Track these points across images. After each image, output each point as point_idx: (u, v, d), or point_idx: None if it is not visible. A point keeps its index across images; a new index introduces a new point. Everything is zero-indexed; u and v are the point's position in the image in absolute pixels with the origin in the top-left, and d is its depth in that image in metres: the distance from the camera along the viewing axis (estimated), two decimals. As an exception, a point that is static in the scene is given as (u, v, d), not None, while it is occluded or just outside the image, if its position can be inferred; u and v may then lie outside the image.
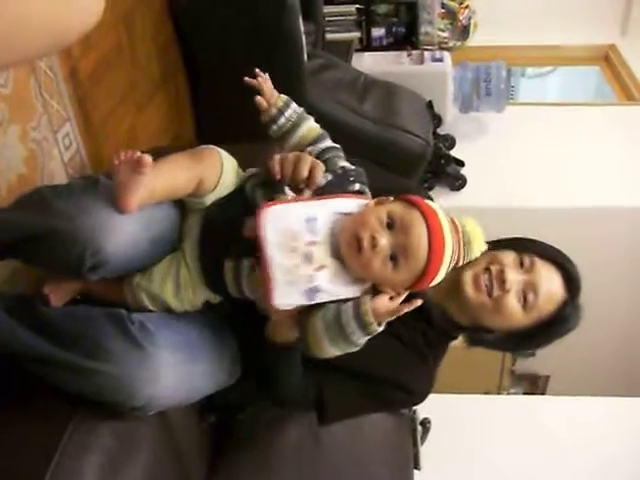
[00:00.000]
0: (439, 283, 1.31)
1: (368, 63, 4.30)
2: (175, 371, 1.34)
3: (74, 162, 2.25)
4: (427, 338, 1.59)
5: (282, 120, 1.47)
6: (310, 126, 1.47)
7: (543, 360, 4.47)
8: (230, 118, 3.25)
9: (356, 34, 4.87)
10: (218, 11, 3.10)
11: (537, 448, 2.75)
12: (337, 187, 1.34)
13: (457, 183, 3.92)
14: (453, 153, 4.02)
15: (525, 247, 1.56)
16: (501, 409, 3.10)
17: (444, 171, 3.91)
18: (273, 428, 1.92)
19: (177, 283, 1.41)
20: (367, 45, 4.87)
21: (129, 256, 1.33)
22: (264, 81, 1.50)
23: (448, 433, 2.53)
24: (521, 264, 1.52)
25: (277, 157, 1.35)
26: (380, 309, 1.25)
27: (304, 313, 1.31)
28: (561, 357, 3.56)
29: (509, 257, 1.52)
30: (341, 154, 1.44)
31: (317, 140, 1.45)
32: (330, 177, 1.35)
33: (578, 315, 1.55)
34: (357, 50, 4.62)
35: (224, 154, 1.42)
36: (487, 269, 1.51)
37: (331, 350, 1.30)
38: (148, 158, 1.22)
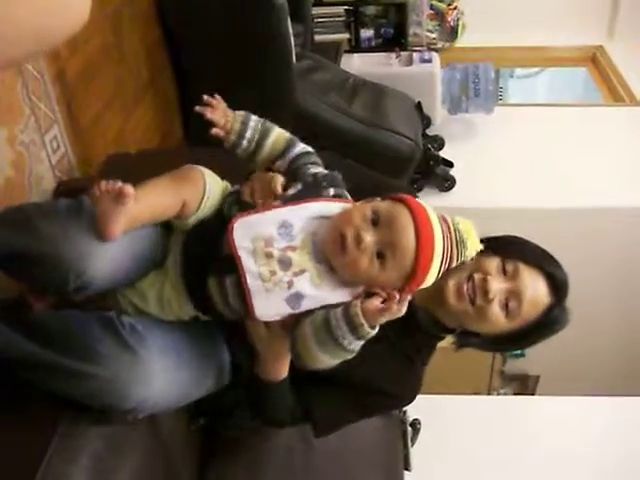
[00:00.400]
0: (427, 287, 1.29)
1: (357, 64, 4.31)
2: (165, 374, 1.34)
3: (62, 165, 2.25)
4: (414, 340, 1.59)
5: (244, 143, 1.39)
6: (275, 138, 1.40)
7: (533, 360, 4.49)
8: (219, 120, 3.25)
9: (345, 35, 4.88)
10: (206, 12, 3.10)
11: (527, 448, 2.75)
12: (309, 195, 1.30)
13: (446, 184, 3.93)
14: (442, 154, 4.03)
15: (510, 250, 1.54)
16: (491, 409, 3.10)
17: (433, 172, 3.91)
18: (263, 431, 1.91)
19: (161, 299, 1.40)
20: (356, 46, 4.89)
21: (113, 275, 1.33)
22: (214, 109, 1.40)
23: (438, 434, 2.53)
24: (504, 271, 1.50)
25: (246, 190, 1.36)
26: (371, 311, 1.19)
27: (294, 325, 1.29)
28: (551, 357, 3.57)
29: (493, 264, 1.50)
30: (313, 159, 1.39)
31: (286, 149, 1.39)
32: (300, 186, 1.31)
33: (565, 317, 1.55)
34: (346, 51, 4.63)
35: (208, 174, 1.40)
36: (470, 277, 1.49)
37: (323, 357, 1.25)
38: (129, 189, 1.20)
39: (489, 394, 4.43)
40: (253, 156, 1.40)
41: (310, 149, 1.41)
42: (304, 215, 1.26)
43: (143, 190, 1.28)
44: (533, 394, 4.67)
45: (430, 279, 1.25)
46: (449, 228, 1.26)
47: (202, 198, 1.35)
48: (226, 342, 1.49)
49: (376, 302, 1.21)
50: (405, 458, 2.18)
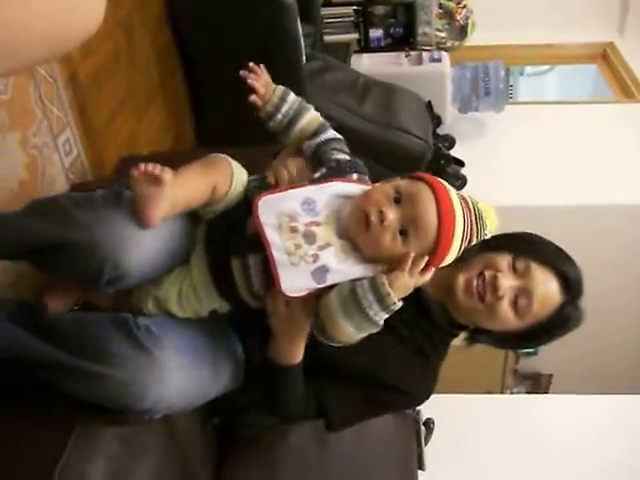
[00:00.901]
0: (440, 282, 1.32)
1: (367, 64, 4.31)
2: (181, 374, 1.35)
3: (75, 168, 2.26)
4: (429, 337, 1.59)
5: (279, 117, 1.42)
6: (309, 119, 1.43)
7: (546, 359, 4.47)
8: (229, 121, 3.26)
9: (354, 35, 4.87)
10: (216, 14, 3.11)
11: (540, 447, 2.74)
12: (332, 176, 1.33)
13: (457, 183, 3.92)
14: (453, 153, 4.02)
15: (522, 249, 1.53)
16: (504, 408, 3.09)
17: (444, 171, 3.91)
18: (277, 430, 1.92)
19: (180, 293, 1.41)
20: (365, 46, 4.88)
21: (147, 270, 1.33)
22: (257, 77, 1.44)
23: (452, 433, 2.53)
24: (515, 269, 1.49)
25: (272, 172, 1.41)
26: (397, 282, 1.22)
27: (315, 304, 1.29)
28: (564, 355, 3.56)
29: (504, 261, 1.50)
30: (339, 146, 1.41)
31: (317, 132, 1.42)
32: (324, 170, 1.34)
33: (579, 316, 1.54)
34: (355, 51, 4.63)
35: (234, 162, 1.41)
36: (481, 274, 1.49)
37: (347, 329, 1.23)
38: (168, 173, 1.22)
39: (502, 393, 4.42)
40: (285, 131, 1.44)
41: (340, 136, 1.44)
42: (327, 192, 1.29)
43: (178, 176, 1.28)
44: (546, 392, 4.65)
45: (451, 256, 1.28)
46: (468, 206, 1.28)
47: (231, 183, 1.36)
48: (241, 341, 1.50)
49: (402, 274, 1.23)
50: (419, 457, 2.17)
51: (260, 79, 1.43)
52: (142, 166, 1.22)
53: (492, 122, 4.41)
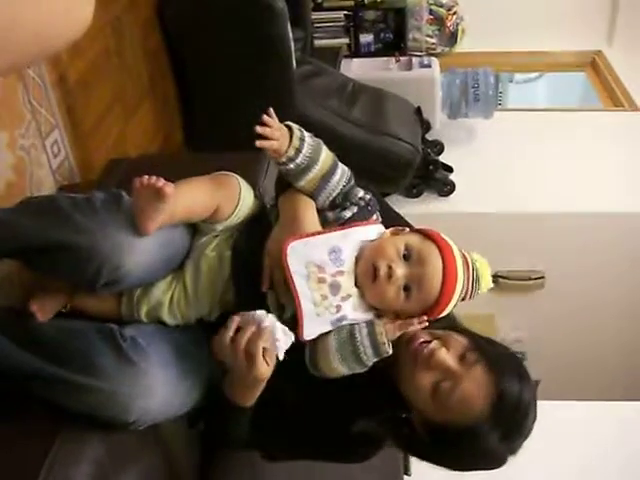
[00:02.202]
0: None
1: (356, 69, 4.31)
2: (167, 385, 1.34)
3: (63, 169, 2.25)
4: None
5: (292, 167, 1.37)
6: (323, 161, 1.39)
7: (533, 365, 4.48)
8: (218, 124, 3.26)
9: (344, 40, 4.88)
10: (207, 18, 3.10)
11: (527, 452, 2.74)
12: (360, 219, 1.38)
13: (446, 189, 3.93)
14: (442, 159, 4.03)
15: (483, 345, 1.38)
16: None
17: (433, 177, 3.92)
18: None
19: (172, 299, 1.42)
20: (355, 51, 4.88)
21: (143, 274, 1.35)
22: (272, 132, 1.34)
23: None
24: (463, 357, 1.33)
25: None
26: (393, 334, 1.29)
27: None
28: (551, 362, 3.57)
29: (457, 342, 1.36)
30: (352, 177, 1.43)
31: (331, 170, 1.40)
32: (355, 209, 1.39)
33: (499, 448, 1.35)
34: (345, 56, 4.63)
35: (243, 184, 1.43)
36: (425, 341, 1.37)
37: (340, 369, 1.31)
38: (170, 188, 1.23)
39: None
40: (298, 176, 1.39)
41: (346, 169, 1.44)
42: (351, 239, 1.33)
43: (182, 188, 1.30)
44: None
45: (444, 313, 1.34)
46: (468, 267, 1.34)
47: (236, 206, 1.39)
48: None
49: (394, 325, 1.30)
50: (404, 462, 2.18)
51: (275, 132, 1.34)
52: (145, 179, 1.23)
53: (481, 128, 4.42)
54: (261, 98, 3.09)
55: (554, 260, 3.88)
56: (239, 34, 3.02)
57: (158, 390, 1.32)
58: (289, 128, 1.37)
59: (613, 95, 4.99)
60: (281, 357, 1.26)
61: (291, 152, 1.36)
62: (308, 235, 1.31)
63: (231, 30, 3.04)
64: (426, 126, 4.02)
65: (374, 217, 1.40)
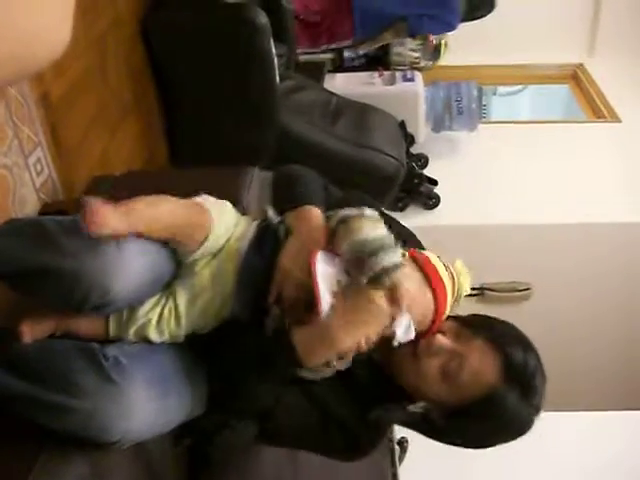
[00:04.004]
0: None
1: (340, 84, 4.33)
2: (149, 406, 1.33)
3: (46, 187, 2.24)
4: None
5: None
6: None
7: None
8: (202, 139, 3.27)
9: (328, 55, 4.89)
10: (190, 34, 3.11)
11: (519, 464, 2.75)
12: None
13: (431, 202, 3.95)
14: (426, 172, 4.05)
15: (475, 322, 1.47)
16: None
17: (417, 190, 3.93)
18: (250, 449, 1.90)
19: (161, 316, 1.42)
20: (339, 66, 4.90)
21: (132, 296, 1.35)
22: None
23: (426, 452, 2.53)
24: (459, 335, 1.43)
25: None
26: None
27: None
28: (547, 373, 3.56)
29: (447, 324, 1.45)
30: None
31: None
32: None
33: (523, 410, 1.41)
34: (329, 71, 4.64)
35: (215, 211, 1.44)
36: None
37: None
38: (100, 219, 1.23)
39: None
40: None
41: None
42: None
43: (144, 207, 1.32)
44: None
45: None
46: (454, 282, 1.43)
47: (203, 241, 1.40)
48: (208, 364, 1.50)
49: None
50: (393, 477, 2.17)
51: None
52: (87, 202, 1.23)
53: (465, 141, 4.44)
54: (245, 113, 3.11)
55: (539, 271, 3.90)
56: (222, 50, 3.03)
57: (140, 409, 1.31)
58: None
59: (595, 107, 5.03)
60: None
61: None
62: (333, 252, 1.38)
63: (214, 46, 3.05)
64: (410, 140, 4.04)
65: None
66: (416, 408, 1.44)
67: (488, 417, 1.39)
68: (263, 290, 1.40)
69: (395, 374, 1.50)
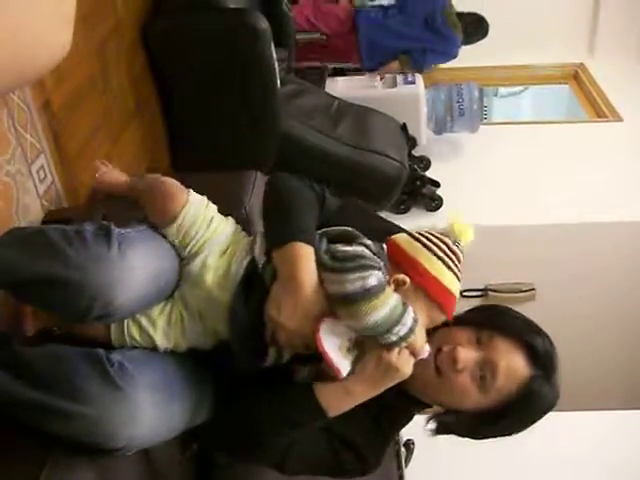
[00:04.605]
0: None
1: (341, 88, 4.33)
2: (154, 411, 1.33)
3: (49, 195, 2.25)
4: (388, 411, 1.52)
5: None
6: None
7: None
8: (205, 144, 3.27)
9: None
10: (191, 39, 3.12)
11: (523, 465, 2.74)
12: None
13: (433, 204, 3.95)
14: (428, 174, 4.05)
15: (485, 321, 1.48)
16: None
17: (420, 192, 3.93)
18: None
19: (169, 323, 1.43)
20: (340, 70, 4.91)
21: (135, 306, 1.36)
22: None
23: (433, 454, 2.52)
24: (478, 341, 1.43)
25: None
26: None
27: None
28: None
29: (463, 334, 1.44)
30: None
31: None
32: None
33: (553, 392, 1.43)
34: (330, 75, 4.65)
35: (200, 200, 1.49)
36: (439, 350, 1.43)
37: None
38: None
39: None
40: None
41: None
42: None
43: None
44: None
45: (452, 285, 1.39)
46: (459, 261, 1.40)
47: (185, 200, 1.45)
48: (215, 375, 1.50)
49: None
50: (400, 479, 2.17)
51: None
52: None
53: (467, 143, 4.44)
54: (246, 118, 3.11)
55: (544, 272, 3.89)
56: (223, 55, 3.03)
57: (145, 415, 1.31)
58: None
59: (596, 106, 5.03)
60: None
61: None
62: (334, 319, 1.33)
63: (215, 51, 3.05)
64: (412, 142, 4.04)
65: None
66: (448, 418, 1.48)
67: (525, 408, 1.42)
68: (256, 330, 1.38)
69: (422, 395, 1.50)
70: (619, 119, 4.74)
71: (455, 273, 1.38)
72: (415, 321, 1.31)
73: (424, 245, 1.39)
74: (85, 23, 2.53)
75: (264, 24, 2.99)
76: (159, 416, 1.34)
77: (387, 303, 1.28)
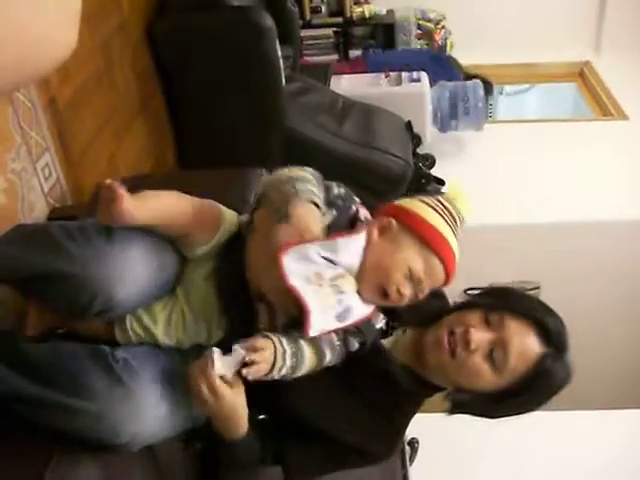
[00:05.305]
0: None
1: (346, 85, 4.33)
2: (158, 407, 1.33)
3: (54, 192, 2.25)
4: (395, 400, 1.52)
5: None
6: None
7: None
8: (210, 141, 3.27)
9: (334, 57, 4.90)
10: (196, 37, 3.12)
11: (526, 463, 2.74)
12: (342, 220, 1.35)
13: (438, 202, 3.93)
14: (433, 172, 4.04)
15: (495, 302, 1.48)
16: (489, 426, 3.09)
17: (425, 190, 3.92)
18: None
19: (170, 320, 1.42)
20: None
21: (135, 303, 1.36)
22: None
23: (437, 452, 2.53)
24: (488, 322, 1.43)
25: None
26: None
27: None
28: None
29: (474, 316, 1.44)
30: (321, 179, 1.38)
31: None
32: (335, 213, 1.34)
33: (565, 370, 1.43)
34: (335, 73, 4.65)
35: (227, 216, 1.43)
36: (452, 332, 1.43)
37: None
38: (125, 204, 1.26)
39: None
40: None
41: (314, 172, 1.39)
42: (344, 246, 1.31)
43: (155, 198, 1.34)
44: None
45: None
46: (456, 224, 1.37)
47: (213, 236, 1.39)
48: None
49: None
50: (404, 477, 2.17)
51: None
52: (110, 182, 1.26)
53: (472, 141, 4.44)
54: (251, 116, 3.11)
55: (549, 270, 3.88)
56: (228, 53, 3.04)
57: (149, 411, 1.31)
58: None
59: (602, 104, 5.02)
60: (229, 375, 1.25)
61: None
62: (299, 243, 1.27)
63: (220, 49, 3.05)
64: (417, 140, 4.03)
65: (353, 209, 1.37)
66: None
67: (538, 387, 1.42)
68: (243, 292, 1.37)
69: (437, 378, 1.50)
70: (625, 117, 4.73)
71: (447, 222, 1.35)
72: (314, 196, 1.29)
73: (417, 199, 1.39)
74: (90, 21, 2.54)
75: (269, 22, 2.99)
76: (164, 412, 1.34)
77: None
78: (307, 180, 1.30)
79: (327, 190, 1.35)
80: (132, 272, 1.31)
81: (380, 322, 1.41)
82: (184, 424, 1.42)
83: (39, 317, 1.47)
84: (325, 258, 1.28)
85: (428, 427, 2.31)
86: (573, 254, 3.86)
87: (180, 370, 1.41)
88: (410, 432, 2.25)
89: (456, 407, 1.50)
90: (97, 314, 1.32)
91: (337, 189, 1.37)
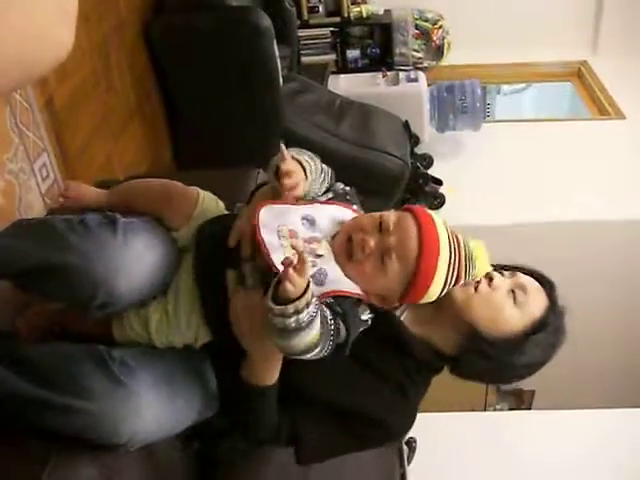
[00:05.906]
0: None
1: (344, 85, 4.33)
2: (157, 406, 1.33)
3: (52, 193, 2.25)
4: (407, 371, 1.52)
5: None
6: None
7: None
8: (206, 142, 3.27)
9: (331, 56, 4.91)
10: (193, 37, 3.12)
11: (524, 463, 2.75)
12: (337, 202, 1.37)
13: (436, 202, 3.94)
14: (431, 172, 4.05)
15: (505, 266, 1.57)
16: (487, 426, 3.10)
17: (423, 190, 3.93)
18: (259, 453, 1.90)
19: (161, 321, 1.41)
20: (343, 67, 4.91)
21: (135, 296, 1.35)
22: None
23: (434, 452, 2.53)
24: (503, 274, 1.52)
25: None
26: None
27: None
28: (545, 372, 3.56)
29: (491, 271, 1.50)
30: (333, 177, 1.42)
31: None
32: (331, 195, 1.38)
33: (564, 327, 1.53)
34: (333, 72, 4.65)
35: (204, 196, 1.47)
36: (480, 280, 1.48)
37: (285, 343, 1.18)
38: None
39: (485, 410, 4.42)
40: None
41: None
42: (326, 214, 1.31)
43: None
44: (529, 408, 4.66)
45: (435, 289, 1.28)
46: (459, 242, 1.31)
47: (196, 203, 1.44)
48: (214, 370, 1.49)
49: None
50: (402, 477, 2.17)
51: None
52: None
53: (470, 140, 4.44)
54: (248, 116, 3.11)
55: (547, 270, 3.88)
56: (225, 52, 3.03)
57: (147, 410, 1.31)
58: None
59: (599, 104, 5.02)
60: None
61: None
62: (283, 202, 1.28)
63: (217, 49, 3.05)
64: (415, 140, 4.04)
65: (354, 207, 1.38)
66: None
67: (550, 333, 1.49)
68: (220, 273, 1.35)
69: (459, 313, 1.46)
70: (622, 117, 4.74)
71: (446, 282, 1.30)
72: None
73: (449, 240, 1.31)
74: (87, 21, 2.54)
75: (266, 22, 2.99)
76: (162, 411, 1.34)
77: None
78: (304, 152, 1.35)
79: (332, 184, 1.40)
80: (135, 265, 1.31)
81: (366, 315, 1.31)
82: (184, 422, 1.42)
83: (37, 318, 1.47)
84: (305, 219, 1.28)
85: (426, 427, 2.31)
86: (571, 253, 3.86)
87: (179, 367, 1.42)
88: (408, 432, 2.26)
89: (470, 363, 1.50)
90: (98, 308, 1.31)
91: (344, 186, 1.42)
